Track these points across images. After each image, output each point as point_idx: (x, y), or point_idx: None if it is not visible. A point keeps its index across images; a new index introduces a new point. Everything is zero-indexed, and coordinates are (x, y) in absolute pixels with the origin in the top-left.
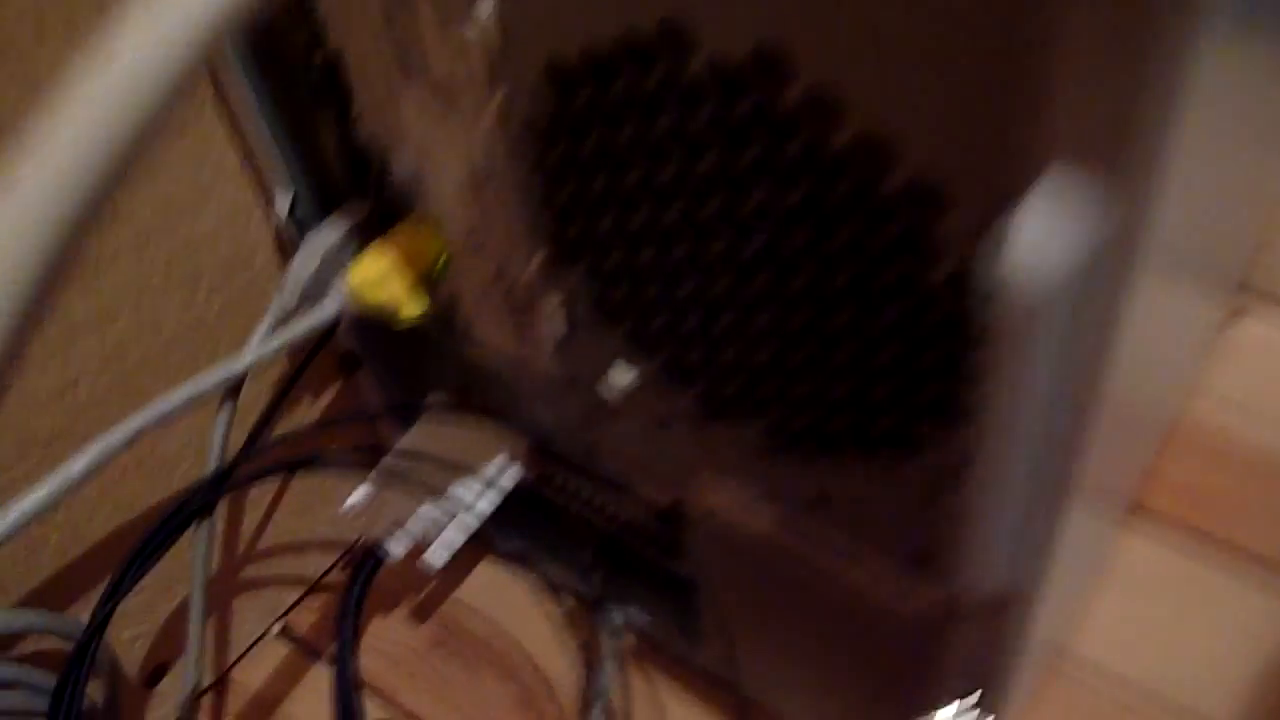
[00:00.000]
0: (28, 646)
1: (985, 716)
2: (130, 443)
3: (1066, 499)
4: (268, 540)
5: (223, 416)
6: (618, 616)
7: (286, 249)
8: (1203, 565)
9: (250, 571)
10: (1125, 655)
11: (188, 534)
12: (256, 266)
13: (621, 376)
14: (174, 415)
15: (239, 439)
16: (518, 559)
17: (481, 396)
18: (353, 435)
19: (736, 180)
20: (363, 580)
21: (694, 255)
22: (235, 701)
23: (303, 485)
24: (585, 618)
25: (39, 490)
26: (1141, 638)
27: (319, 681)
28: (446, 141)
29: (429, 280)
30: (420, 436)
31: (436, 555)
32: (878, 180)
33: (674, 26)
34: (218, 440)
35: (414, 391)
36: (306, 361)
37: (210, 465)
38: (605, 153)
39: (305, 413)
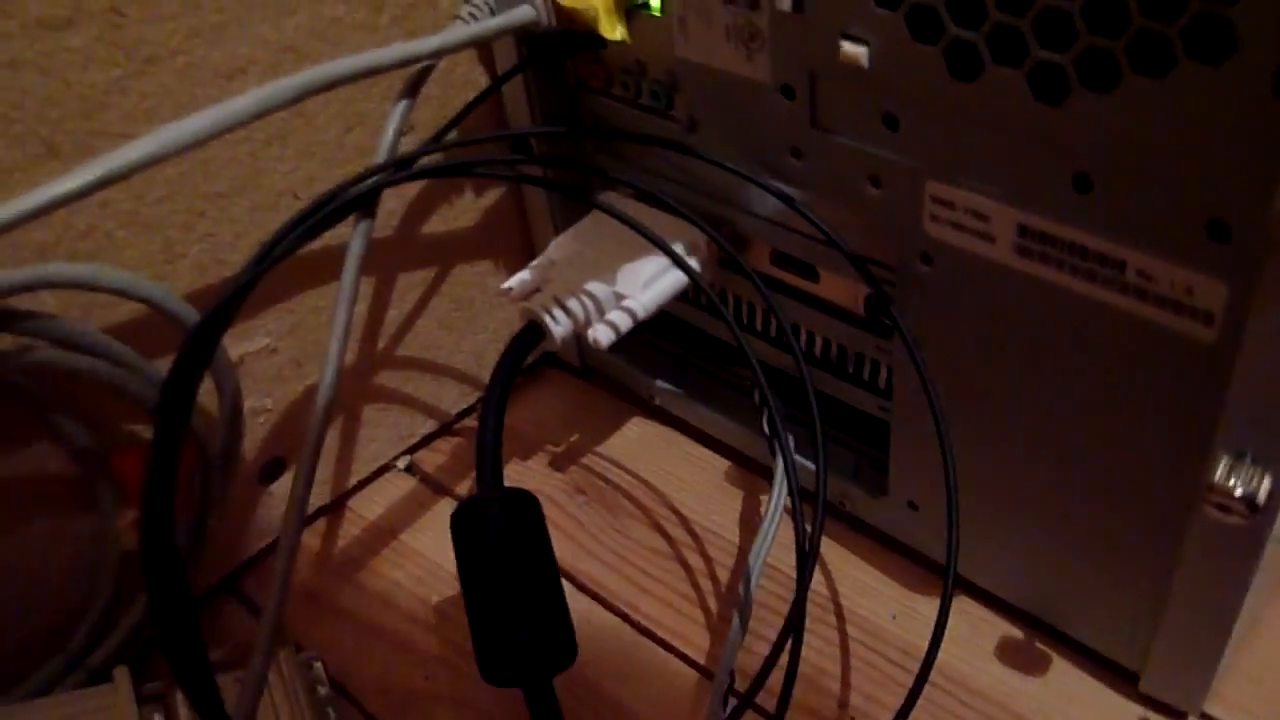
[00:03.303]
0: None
1: (1263, 475)
2: (299, 98)
3: None
4: (409, 349)
5: (399, 109)
6: (784, 469)
7: None
8: None
9: (384, 382)
10: None
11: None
12: None
13: (852, 51)
14: (346, 79)
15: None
16: (671, 417)
17: (667, 178)
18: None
19: None
20: (518, 348)
21: None
22: (350, 527)
23: (461, 275)
24: (742, 478)
25: (199, 119)
26: None
27: (446, 515)
28: None
29: (629, 6)
30: (594, 221)
31: (601, 333)
32: None
33: None
34: (391, 132)
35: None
36: (503, 80)
37: (380, 158)
38: None
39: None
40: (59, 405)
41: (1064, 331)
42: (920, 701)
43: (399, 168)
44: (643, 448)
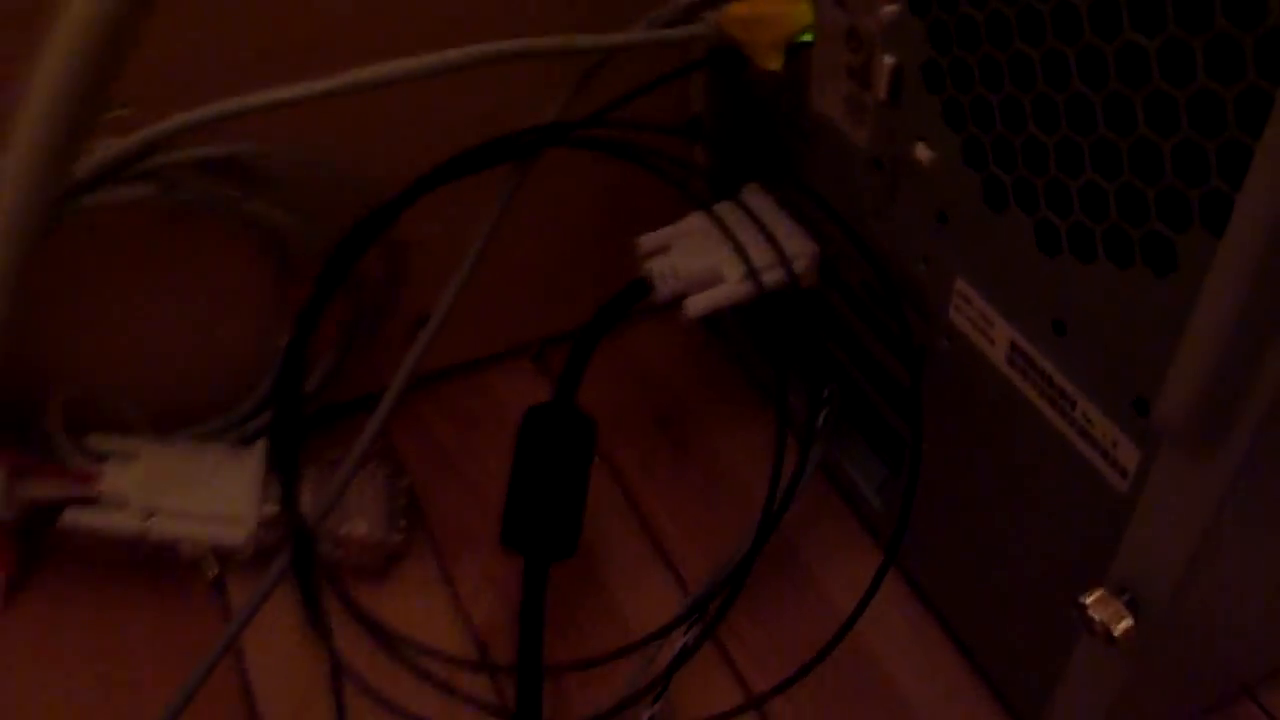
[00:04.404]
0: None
1: (1128, 616)
2: (498, 58)
3: None
4: (564, 261)
5: (578, 81)
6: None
7: None
8: None
9: (536, 280)
10: None
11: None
12: None
13: (922, 152)
14: (540, 55)
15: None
16: (753, 373)
17: (791, 191)
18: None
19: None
20: (625, 296)
21: (1035, 44)
22: (476, 386)
23: (625, 214)
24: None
25: (424, 59)
26: None
27: None
28: None
29: (788, 45)
30: (727, 208)
31: (695, 304)
32: None
33: None
34: (565, 99)
35: (736, 169)
36: (673, 76)
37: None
38: None
39: None
40: (269, 244)
41: (1028, 436)
42: (842, 687)
43: (561, 132)
44: (730, 406)
